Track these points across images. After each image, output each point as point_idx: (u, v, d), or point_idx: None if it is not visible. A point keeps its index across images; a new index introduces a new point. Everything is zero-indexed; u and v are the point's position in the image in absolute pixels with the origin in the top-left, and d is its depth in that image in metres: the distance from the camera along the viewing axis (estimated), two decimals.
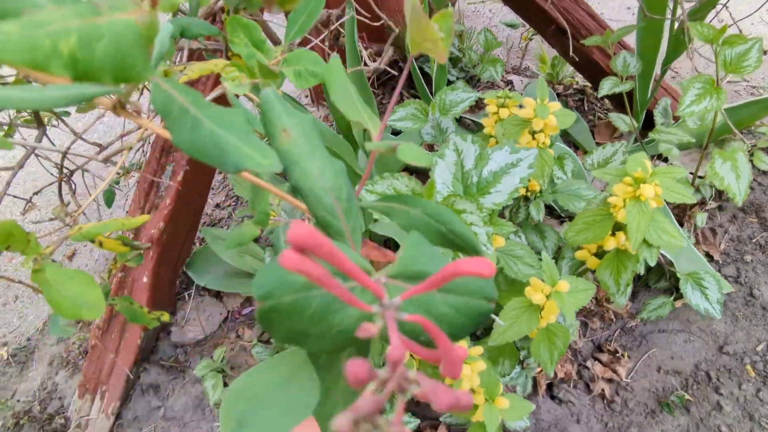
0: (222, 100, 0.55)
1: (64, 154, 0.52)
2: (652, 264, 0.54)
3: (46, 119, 0.85)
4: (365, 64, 0.93)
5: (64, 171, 0.89)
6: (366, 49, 1.22)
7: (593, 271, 0.66)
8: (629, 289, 0.61)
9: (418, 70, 1.01)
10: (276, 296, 0.15)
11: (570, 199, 0.74)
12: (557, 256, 0.72)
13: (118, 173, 1.09)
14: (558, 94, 1.37)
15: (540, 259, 0.73)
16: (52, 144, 0.83)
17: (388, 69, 0.85)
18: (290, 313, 0.15)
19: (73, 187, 0.87)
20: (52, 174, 0.85)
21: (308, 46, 0.76)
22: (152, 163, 0.92)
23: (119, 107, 0.24)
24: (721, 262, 1.08)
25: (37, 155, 0.80)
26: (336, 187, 0.20)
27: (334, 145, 0.87)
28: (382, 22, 0.76)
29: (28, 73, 0.20)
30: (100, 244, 0.40)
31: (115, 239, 0.41)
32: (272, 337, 0.16)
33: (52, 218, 1.16)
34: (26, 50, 0.15)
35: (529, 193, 0.73)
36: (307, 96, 1.50)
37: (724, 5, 0.89)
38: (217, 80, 0.92)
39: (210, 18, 0.61)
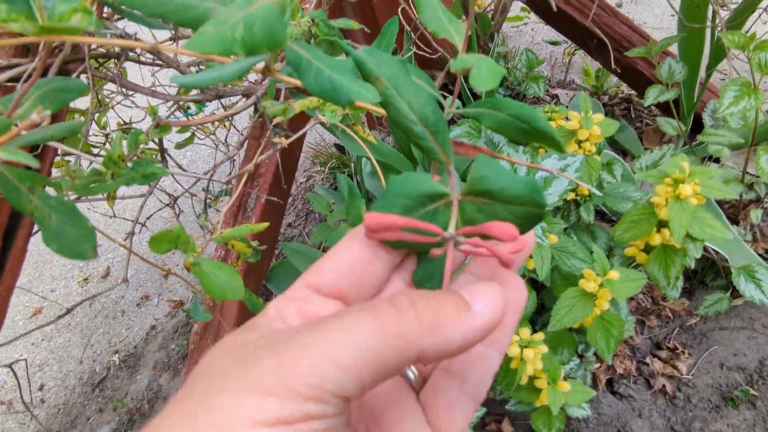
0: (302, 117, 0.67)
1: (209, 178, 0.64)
2: (698, 255, 0.60)
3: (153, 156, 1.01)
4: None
5: (171, 197, 1.04)
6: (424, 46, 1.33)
7: (644, 269, 0.71)
8: (680, 283, 0.66)
9: (468, 91, 1.11)
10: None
11: (618, 201, 0.80)
12: (609, 255, 0.77)
13: (210, 198, 1.25)
14: (604, 104, 1.42)
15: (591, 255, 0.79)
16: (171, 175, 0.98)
17: (443, 93, 0.94)
18: (397, 243, 0.22)
19: (178, 210, 1.02)
20: (160, 200, 1.00)
21: None
22: (240, 188, 1.05)
23: (267, 71, 0.32)
24: None
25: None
26: (423, 116, 0.23)
27: (396, 163, 0.98)
28: (438, 54, 0.87)
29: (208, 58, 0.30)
30: (232, 246, 0.51)
31: (240, 242, 0.53)
32: (390, 246, 0.22)
33: None
34: (218, 42, 0.21)
35: (578, 197, 0.80)
36: (364, 123, 1.62)
37: (765, 9, 0.93)
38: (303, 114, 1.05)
39: None
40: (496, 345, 0.23)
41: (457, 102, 0.33)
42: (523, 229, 0.21)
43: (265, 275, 1.25)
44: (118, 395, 1.19)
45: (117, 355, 1.27)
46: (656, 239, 0.60)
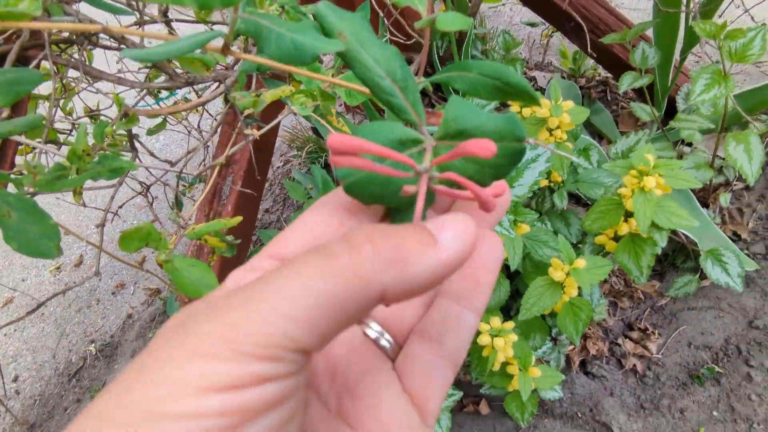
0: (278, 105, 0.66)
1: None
2: (663, 244, 0.61)
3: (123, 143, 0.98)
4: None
5: (143, 185, 1.02)
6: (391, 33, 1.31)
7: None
8: (650, 271, 0.68)
9: (439, 65, 1.10)
10: (351, 174, 0.20)
11: (591, 187, 0.81)
12: (581, 242, 0.79)
13: (184, 185, 1.23)
14: (581, 87, 1.43)
15: None
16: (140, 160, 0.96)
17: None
18: (365, 184, 0.20)
19: (151, 198, 1.00)
20: (132, 189, 0.98)
21: None
22: (214, 176, 1.04)
23: (226, 49, 0.32)
24: (749, 240, 1.11)
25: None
26: (390, 71, 0.22)
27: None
28: (413, 40, 0.85)
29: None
30: (206, 241, 0.51)
31: (214, 237, 0.52)
32: (363, 202, 0.20)
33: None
34: None
35: (552, 184, 0.80)
36: (340, 105, 1.60)
37: None
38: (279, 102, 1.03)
39: None
40: (472, 306, 0.21)
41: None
42: (505, 168, 0.20)
43: (242, 263, 1.24)
44: (95, 385, 1.18)
45: (93, 345, 1.25)
46: (624, 229, 0.61)
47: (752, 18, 0.94)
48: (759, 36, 0.71)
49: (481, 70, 0.24)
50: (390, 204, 0.21)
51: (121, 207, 1.00)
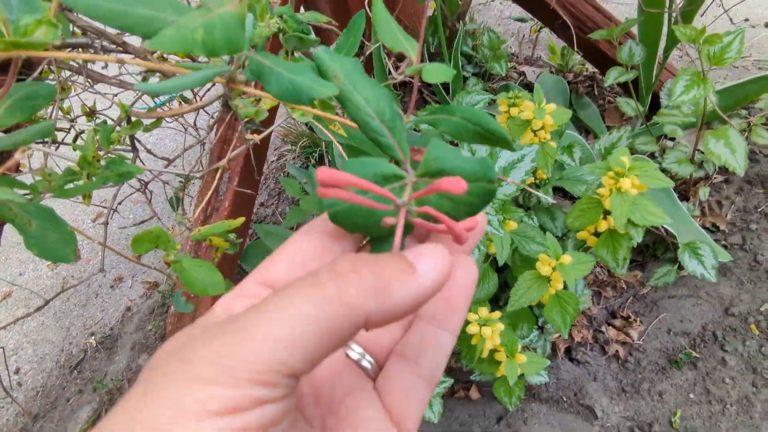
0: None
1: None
2: (639, 239, 0.65)
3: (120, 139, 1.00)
4: (391, 69, 1.05)
5: (141, 182, 1.04)
6: (388, 55, 1.33)
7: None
8: (626, 262, 0.72)
9: (440, 86, 1.12)
10: (336, 204, 0.22)
11: (574, 184, 0.85)
12: (565, 236, 0.83)
13: (181, 182, 1.25)
14: (569, 82, 1.46)
15: None
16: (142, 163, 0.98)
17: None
18: (349, 214, 0.21)
19: (149, 195, 1.02)
20: (130, 185, 1.00)
21: None
22: (211, 172, 1.06)
23: (231, 82, 0.35)
24: (727, 231, 1.16)
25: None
26: (380, 111, 0.25)
27: (363, 145, 1.00)
28: (402, 21, 0.88)
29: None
30: (210, 241, 0.54)
31: (217, 236, 0.55)
32: (347, 230, 0.22)
33: (136, 223, 1.32)
34: (179, 43, 0.23)
35: (538, 181, 0.84)
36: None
37: None
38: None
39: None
40: (448, 327, 0.23)
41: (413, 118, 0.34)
42: (478, 206, 0.21)
43: (240, 256, 1.27)
44: (97, 376, 1.21)
45: (93, 338, 1.28)
46: (603, 225, 0.65)
47: (731, 20, 0.98)
48: (736, 40, 0.74)
49: (464, 114, 0.26)
50: (371, 233, 0.22)
51: (120, 204, 1.02)
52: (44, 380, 1.23)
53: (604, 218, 0.64)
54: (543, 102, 0.71)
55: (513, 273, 0.76)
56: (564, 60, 1.46)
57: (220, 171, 0.92)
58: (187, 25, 0.23)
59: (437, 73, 0.28)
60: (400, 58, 1.33)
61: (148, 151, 0.99)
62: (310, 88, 0.24)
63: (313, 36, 0.63)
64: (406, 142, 0.24)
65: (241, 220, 0.53)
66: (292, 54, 0.65)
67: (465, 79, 1.40)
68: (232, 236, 0.59)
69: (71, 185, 0.53)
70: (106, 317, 1.32)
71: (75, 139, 0.95)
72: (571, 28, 1.25)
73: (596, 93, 1.46)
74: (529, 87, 1.52)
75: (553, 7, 1.22)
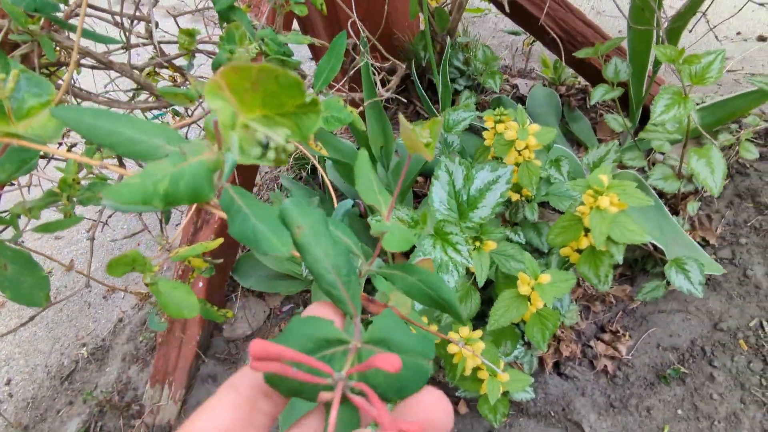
0: None
1: None
2: (619, 257, 0.65)
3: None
4: (379, 86, 1.06)
5: None
6: (380, 69, 1.34)
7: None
8: (610, 278, 0.72)
9: (424, 92, 1.13)
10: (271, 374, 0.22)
11: (561, 200, 0.85)
12: (549, 252, 0.83)
13: None
14: (561, 95, 1.47)
15: (535, 255, 0.84)
16: None
17: (400, 89, 0.97)
18: (285, 379, 0.21)
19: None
20: None
21: (334, 89, 0.90)
22: None
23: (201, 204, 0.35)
24: (717, 245, 1.16)
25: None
26: (336, 266, 0.26)
27: (351, 160, 1.00)
28: (390, 63, 0.89)
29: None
30: (189, 262, 0.54)
31: (196, 257, 0.56)
32: (283, 395, 0.21)
33: (126, 236, 1.33)
34: (140, 194, 0.22)
35: (523, 198, 0.84)
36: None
37: (703, 13, 0.97)
38: None
39: None
40: None
41: (379, 261, 0.35)
42: (411, 383, 0.21)
43: (232, 267, 1.28)
44: (87, 387, 1.21)
45: (85, 348, 1.28)
46: (584, 243, 0.65)
47: (716, 36, 0.98)
48: (717, 60, 0.75)
49: (421, 277, 0.28)
50: (309, 399, 0.22)
51: (110, 216, 1.03)
52: (35, 391, 1.23)
53: (585, 235, 0.64)
54: (527, 122, 0.71)
55: (496, 290, 0.77)
56: (556, 73, 1.47)
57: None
58: (153, 175, 0.22)
59: (398, 242, 0.29)
60: (391, 72, 1.34)
61: (139, 165, 0.99)
62: (268, 242, 0.24)
63: (295, 60, 0.64)
64: (359, 297, 0.26)
65: (219, 241, 0.54)
66: None
67: (458, 92, 1.41)
68: (210, 258, 0.60)
69: (57, 204, 0.53)
70: (98, 328, 1.33)
71: (69, 150, 0.95)
72: (561, 42, 1.26)
73: (588, 106, 1.47)
74: (521, 100, 1.53)
75: (541, 24, 1.24)
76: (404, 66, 1.33)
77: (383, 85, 1.18)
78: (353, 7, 1.29)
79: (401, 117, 0.36)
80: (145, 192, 0.21)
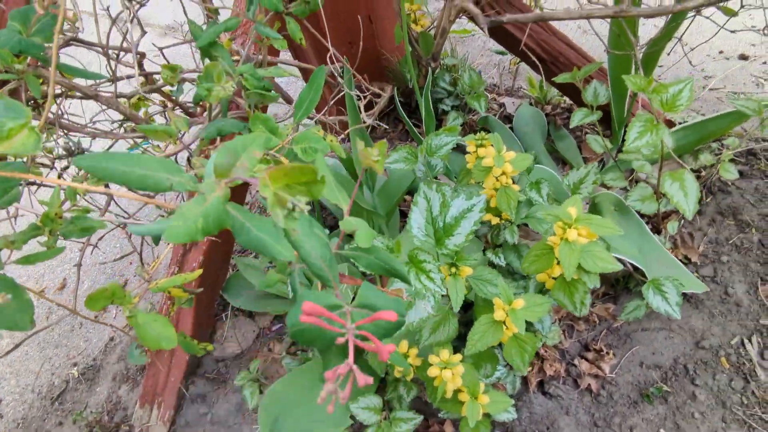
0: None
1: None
2: (592, 285, 0.67)
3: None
4: (362, 110, 1.08)
5: (121, 217, 1.07)
6: (367, 89, 1.37)
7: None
8: (587, 304, 0.73)
9: (407, 117, 1.15)
10: (297, 325, 0.35)
11: (539, 222, 0.87)
12: (528, 276, 0.84)
13: (161, 216, 1.27)
14: (547, 114, 1.49)
15: (514, 277, 0.86)
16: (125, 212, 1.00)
17: (390, 108, 0.99)
18: (304, 332, 0.35)
19: (129, 233, 1.05)
20: (109, 221, 1.02)
21: (321, 113, 0.92)
22: None
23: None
24: (699, 263, 1.18)
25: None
26: (322, 255, 0.37)
27: (339, 181, 1.02)
28: (383, 56, 0.91)
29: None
30: (169, 293, 0.56)
31: (177, 288, 0.57)
32: (300, 344, 0.33)
33: (116, 258, 1.34)
34: (189, 234, 0.30)
35: (503, 222, 0.86)
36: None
37: (679, 39, 1.00)
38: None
39: (232, 105, 0.77)
40: None
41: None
42: (389, 331, 0.34)
43: (222, 286, 1.29)
44: (77, 408, 1.21)
45: (76, 368, 1.29)
46: (557, 271, 0.67)
47: (690, 61, 1.01)
48: (686, 89, 0.77)
49: (378, 255, 0.40)
50: (319, 346, 0.35)
51: (100, 239, 1.04)
52: (25, 411, 1.24)
53: (558, 264, 0.66)
54: (503, 149, 0.73)
55: (476, 314, 0.78)
56: (542, 93, 1.49)
57: None
58: (190, 218, 0.30)
59: (365, 237, 0.41)
60: (376, 95, 1.37)
61: (129, 189, 1.01)
62: (273, 248, 0.32)
63: (274, 92, 0.66)
64: (338, 276, 0.37)
65: (198, 272, 0.55)
66: (256, 108, 0.68)
67: (446, 112, 1.44)
68: (191, 289, 0.61)
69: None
70: (90, 347, 1.33)
71: (59, 176, 0.97)
72: (545, 63, 1.29)
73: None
74: (509, 118, 1.56)
75: (523, 47, 1.27)
76: (391, 87, 1.36)
77: (371, 106, 1.21)
78: (342, 28, 1.32)
79: (353, 136, 0.50)
80: (190, 231, 0.30)
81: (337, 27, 1.30)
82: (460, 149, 1.43)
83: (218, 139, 0.70)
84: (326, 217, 1.38)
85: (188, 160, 0.75)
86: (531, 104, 1.54)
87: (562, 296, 0.70)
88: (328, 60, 0.98)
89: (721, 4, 0.84)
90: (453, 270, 0.67)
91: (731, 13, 0.88)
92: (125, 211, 0.94)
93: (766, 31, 0.99)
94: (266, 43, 0.68)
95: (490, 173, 0.75)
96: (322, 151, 0.63)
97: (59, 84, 0.65)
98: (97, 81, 0.74)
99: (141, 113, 0.95)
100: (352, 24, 1.33)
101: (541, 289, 0.80)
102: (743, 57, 1.62)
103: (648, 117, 0.79)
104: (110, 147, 0.82)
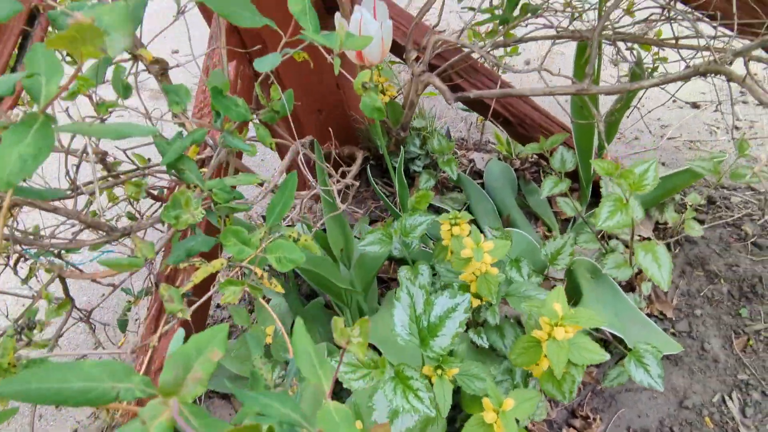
0: None
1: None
2: (579, 378, 0.66)
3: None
4: (334, 179, 1.07)
5: (83, 312, 1.01)
6: (339, 156, 1.36)
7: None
8: (573, 394, 0.72)
9: (379, 190, 1.15)
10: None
11: (520, 300, 0.86)
12: None
13: (129, 301, 1.21)
14: (516, 169, 1.52)
15: (497, 355, 0.85)
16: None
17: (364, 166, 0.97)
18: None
19: (94, 326, 0.99)
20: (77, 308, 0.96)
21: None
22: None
23: None
24: (674, 318, 1.20)
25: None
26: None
27: (316, 265, 0.99)
28: (353, 118, 0.90)
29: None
30: None
31: None
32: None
33: (79, 357, 1.27)
34: None
35: (484, 303, 0.85)
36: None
37: (635, 106, 1.04)
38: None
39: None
40: None
41: None
42: None
43: None
44: None
45: None
46: (545, 364, 0.66)
47: (649, 129, 1.04)
48: (651, 169, 0.79)
49: None
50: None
51: (61, 336, 0.98)
52: None
53: (546, 356, 0.65)
54: (481, 240, 0.73)
55: (462, 401, 0.76)
56: (510, 148, 1.52)
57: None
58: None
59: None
60: (351, 156, 1.37)
61: (93, 280, 0.96)
62: None
63: (244, 204, 0.64)
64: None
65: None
66: (227, 218, 0.66)
67: (418, 173, 1.44)
68: None
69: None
70: None
71: (15, 264, 0.91)
72: (511, 125, 1.32)
73: (543, 179, 1.52)
74: (479, 174, 1.58)
75: (493, 108, 1.29)
76: (362, 153, 1.36)
77: (344, 176, 1.20)
78: (310, 97, 1.32)
79: (333, 321, 0.43)
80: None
81: (305, 96, 1.30)
82: (432, 208, 1.44)
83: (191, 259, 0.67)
84: (301, 285, 1.34)
85: (156, 285, 0.72)
86: (500, 159, 1.57)
87: (551, 387, 0.69)
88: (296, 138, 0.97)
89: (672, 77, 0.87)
90: (439, 372, 0.65)
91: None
92: (88, 297, 0.89)
93: (711, 79, 1.04)
94: (233, 154, 0.66)
95: (470, 263, 0.74)
96: (298, 262, 0.61)
97: (14, 204, 0.62)
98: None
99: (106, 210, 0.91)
100: (319, 92, 1.33)
101: (528, 374, 0.79)
102: (695, 106, 1.70)
103: (617, 197, 0.81)
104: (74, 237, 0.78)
